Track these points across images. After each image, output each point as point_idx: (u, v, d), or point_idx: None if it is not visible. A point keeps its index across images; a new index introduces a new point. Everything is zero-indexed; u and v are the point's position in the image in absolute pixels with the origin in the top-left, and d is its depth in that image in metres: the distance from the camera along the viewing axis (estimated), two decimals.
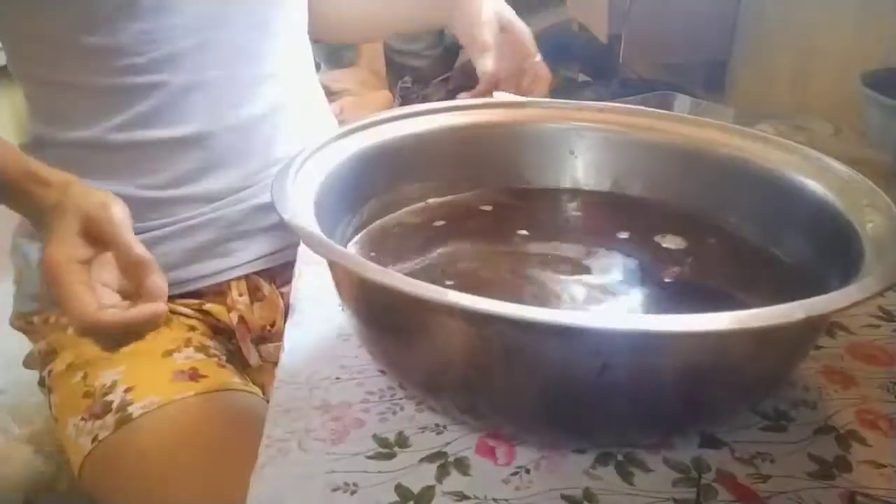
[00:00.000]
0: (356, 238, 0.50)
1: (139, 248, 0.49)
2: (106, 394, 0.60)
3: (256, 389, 0.66)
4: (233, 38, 0.65)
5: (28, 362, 0.71)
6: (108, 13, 0.60)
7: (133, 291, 0.49)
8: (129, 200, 0.65)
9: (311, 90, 0.77)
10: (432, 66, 1.61)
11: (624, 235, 0.52)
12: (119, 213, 0.50)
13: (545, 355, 0.34)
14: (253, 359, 0.70)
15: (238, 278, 0.70)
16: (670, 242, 0.50)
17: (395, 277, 0.33)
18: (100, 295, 0.47)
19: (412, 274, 0.35)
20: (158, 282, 0.48)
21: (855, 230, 0.41)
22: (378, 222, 0.52)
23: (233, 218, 0.68)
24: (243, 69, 0.67)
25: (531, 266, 0.48)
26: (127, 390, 0.60)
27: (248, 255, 0.70)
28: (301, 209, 0.40)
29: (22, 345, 0.72)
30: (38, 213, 0.52)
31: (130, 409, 0.59)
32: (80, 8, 0.60)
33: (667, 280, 0.47)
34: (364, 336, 0.43)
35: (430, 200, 0.54)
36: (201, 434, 0.59)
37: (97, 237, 0.49)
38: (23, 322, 0.70)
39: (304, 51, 0.76)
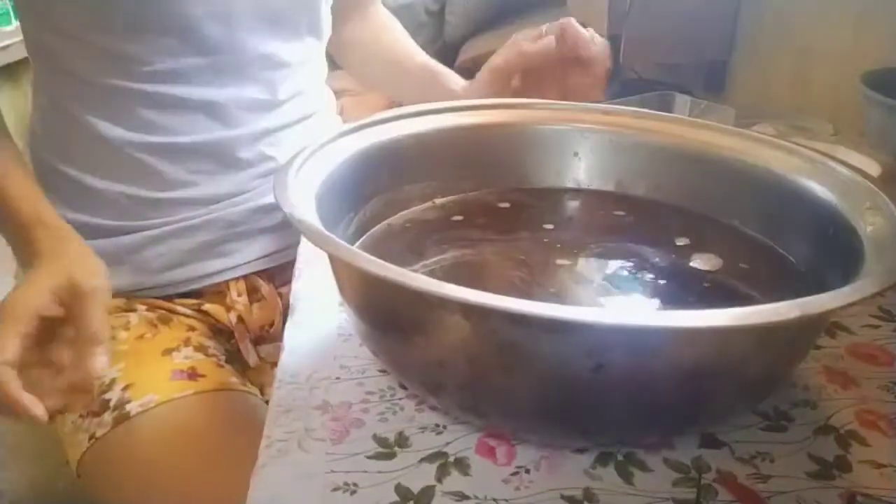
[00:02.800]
0: (362, 239, 0.50)
1: (97, 323, 0.48)
2: (104, 392, 0.60)
3: (255, 390, 0.66)
4: (242, 64, 0.66)
5: None
6: (118, 23, 0.60)
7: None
8: (129, 199, 0.65)
9: (322, 111, 0.76)
10: None
11: (633, 236, 0.52)
12: (101, 287, 0.49)
13: (543, 351, 0.34)
14: (251, 359, 0.70)
15: (237, 279, 0.70)
16: (700, 261, 0.49)
17: (395, 270, 0.33)
18: (30, 369, 0.46)
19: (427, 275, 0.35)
20: (96, 365, 0.47)
21: (856, 232, 0.41)
22: (385, 222, 0.51)
23: (232, 219, 0.68)
24: (251, 94, 0.67)
25: (542, 264, 0.48)
26: (125, 388, 0.60)
27: (248, 255, 0.70)
28: (303, 205, 0.40)
29: None
30: (28, 253, 0.52)
31: (128, 407, 0.59)
32: (93, 12, 0.60)
33: (687, 282, 0.47)
34: (364, 333, 0.43)
35: (437, 200, 0.54)
36: (199, 433, 0.59)
37: (67, 303, 0.49)
38: None
39: (319, 79, 0.76)
